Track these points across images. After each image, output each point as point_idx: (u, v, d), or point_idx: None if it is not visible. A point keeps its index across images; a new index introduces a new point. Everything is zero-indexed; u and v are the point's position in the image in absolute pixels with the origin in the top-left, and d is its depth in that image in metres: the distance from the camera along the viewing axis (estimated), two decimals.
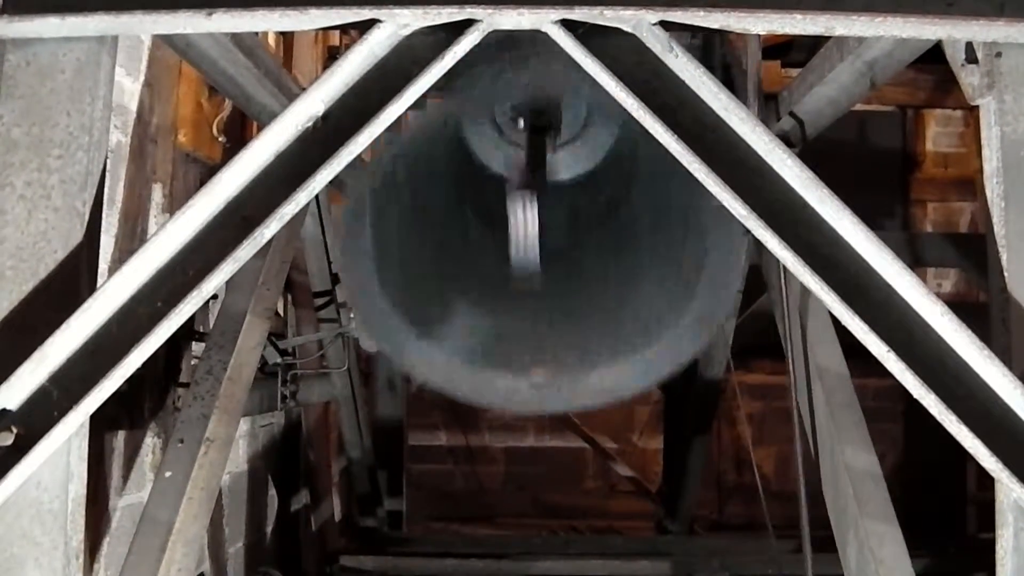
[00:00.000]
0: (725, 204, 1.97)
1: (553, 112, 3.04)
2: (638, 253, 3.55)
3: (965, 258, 5.76)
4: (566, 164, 3.34)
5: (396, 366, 3.46)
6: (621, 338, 3.38)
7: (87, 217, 2.06)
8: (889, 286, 1.95)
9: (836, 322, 2.08)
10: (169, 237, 1.97)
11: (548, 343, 3.49)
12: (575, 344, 3.44)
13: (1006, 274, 2.03)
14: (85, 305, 1.94)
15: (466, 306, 3.55)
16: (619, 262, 3.62)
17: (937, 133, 9.01)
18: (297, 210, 2.00)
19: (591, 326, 3.53)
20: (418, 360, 3.31)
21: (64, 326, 1.92)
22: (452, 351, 3.29)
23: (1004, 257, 2.03)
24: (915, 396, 1.92)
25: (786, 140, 3.44)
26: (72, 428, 1.94)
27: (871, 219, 1.97)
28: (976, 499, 7.60)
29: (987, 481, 1.99)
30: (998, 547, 2.00)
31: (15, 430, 1.90)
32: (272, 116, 3.10)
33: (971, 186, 8.59)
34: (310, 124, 2.01)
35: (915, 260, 5.82)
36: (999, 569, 1.99)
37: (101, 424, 3.14)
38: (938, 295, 1.96)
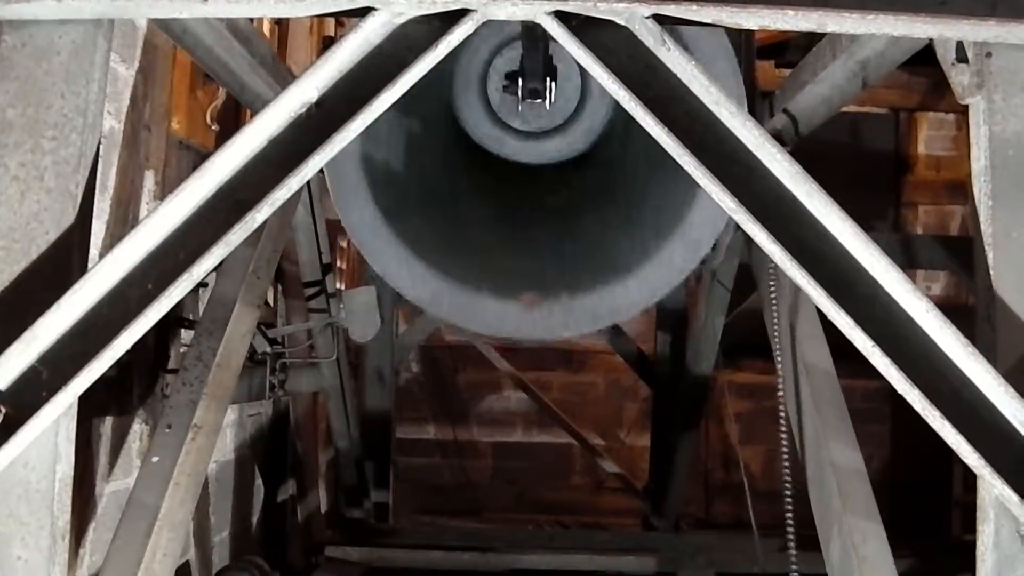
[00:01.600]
0: (714, 197, 1.98)
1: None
2: (634, 185, 3.70)
3: (956, 261, 5.78)
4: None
5: (393, 289, 3.60)
6: (615, 258, 3.50)
7: (79, 199, 2.07)
8: (876, 282, 1.96)
9: (824, 320, 2.09)
10: (161, 220, 1.98)
11: (541, 268, 3.64)
12: (568, 269, 3.59)
13: (992, 272, 2.04)
14: (76, 286, 1.94)
15: (459, 232, 3.73)
16: (615, 196, 3.77)
17: (930, 136, 9.03)
18: (289, 195, 2.00)
19: (586, 251, 3.67)
20: (412, 282, 3.43)
21: (55, 307, 1.93)
22: (445, 274, 3.41)
23: (990, 255, 2.05)
24: (899, 391, 1.93)
25: (779, 138, 3.46)
26: (61, 409, 1.94)
27: (863, 221, 1.98)
28: (961, 501, 7.65)
29: (972, 483, 2.01)
30: (979, 543, 2.01)
31: (4, 409, 1.90)
32: (266, 104, 3.11)
33: (963, 189, 8.61)
34: (303, 110, 2.01)
35: (906, 262, 5.84)
36: (979, 565, 2.00)
37: (89, 409, 3.15)
38: (928, 297, 1.97)
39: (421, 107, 3.54)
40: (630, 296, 3.44)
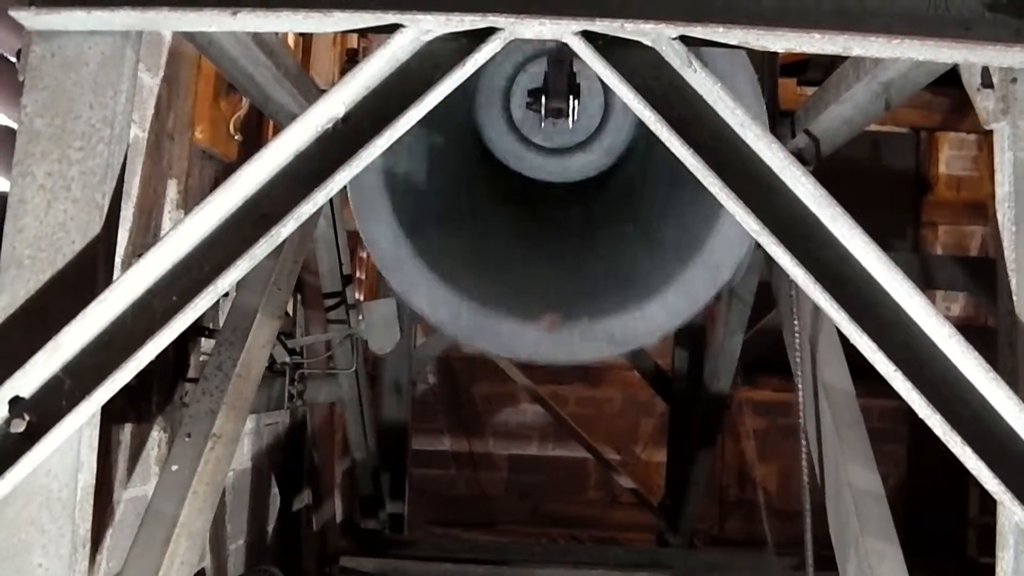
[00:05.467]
0: (738, 219, 1.99)
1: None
2: (655, 206, 3.67)
3: (975, 282, 5.76)
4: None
5: (410, 308, 3.54)
6: (636, 283, 3.49)
7: (106, 210, 2.08)
8: (898, 306, 1.96)
9: (843, 340, 2.09)
10: (187, 232, 1.99)
11: (560, 290, 3.60)
12: (588, 291, 3.55)
13: (1015, 298, 2.04)
14: (101, 296, 1.95)
15: (480, 250, 3.72)
16: (635, 216, 3.73)
17: (951, 156, 9.02)
18: (315, 210, 2.02)
19: (606, 272, 3.64)
20: (430, 301, 3.41)
21: (79, 316, 1.94)
22: (463, 293, 3.38)
23: (1014, 281, 2.04)
24: (921, 416, 1.92)
25: (801, 158, 3.45)
26: (83, 418, 1.95)
27: (882, 240, 1.98)
28: (977, 523, 7.60)
29: (988, 505, 2.00)
30: (998, 569, 2.01)
31: (27, 418, 1.92)
32: (289, 116, 3.11)
33: (983, 210, 8.60)
34: (330, 125, 2.03)
35: (925, 282, 5.82)
36: None
37: (109, 416, 3.15)
38: (947, 318, 1.97)
39: (444, 122, 3.52)
40: (650, 321, 3.41)
